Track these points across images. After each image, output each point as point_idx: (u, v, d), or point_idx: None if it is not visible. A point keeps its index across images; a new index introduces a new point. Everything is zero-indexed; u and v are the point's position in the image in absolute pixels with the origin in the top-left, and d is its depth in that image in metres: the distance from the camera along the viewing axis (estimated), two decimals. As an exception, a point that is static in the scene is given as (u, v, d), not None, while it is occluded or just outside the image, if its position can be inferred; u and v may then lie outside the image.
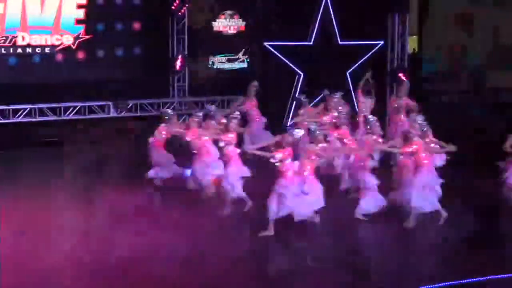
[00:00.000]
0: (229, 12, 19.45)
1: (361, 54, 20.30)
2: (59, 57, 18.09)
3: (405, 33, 19.15)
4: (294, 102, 18.03)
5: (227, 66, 20.06)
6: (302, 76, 19.71)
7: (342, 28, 20.03)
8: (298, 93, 18.48)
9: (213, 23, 19.56)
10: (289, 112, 19.39)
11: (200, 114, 13.25)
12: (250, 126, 15.74)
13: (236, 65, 20.11)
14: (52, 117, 17.41)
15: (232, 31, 19.69)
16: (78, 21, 18.08)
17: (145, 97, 18.45)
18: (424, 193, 11.64)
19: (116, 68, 18.45)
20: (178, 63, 18.91)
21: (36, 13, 17.62)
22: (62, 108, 17.56)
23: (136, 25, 18.82)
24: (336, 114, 14.09)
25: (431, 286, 9.28)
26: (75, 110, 17.60)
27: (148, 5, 18.86)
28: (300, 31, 19.83)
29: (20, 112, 16.81)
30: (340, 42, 19.93)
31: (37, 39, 17.78)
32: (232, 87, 18.61)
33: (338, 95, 15.45)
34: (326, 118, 14.45)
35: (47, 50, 17.97)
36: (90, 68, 18.32)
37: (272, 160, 11.25)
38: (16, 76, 17.57)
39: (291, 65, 19.83)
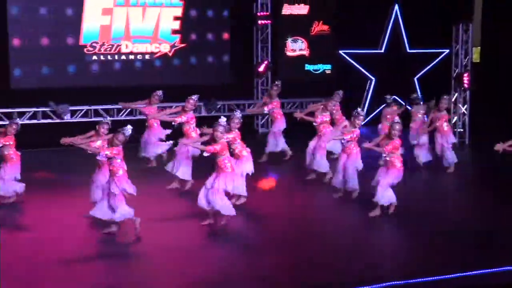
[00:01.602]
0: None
1: (428, 61, 21.12)
2: (158, 63, 19.13)
3: (469, 42, 19.33)
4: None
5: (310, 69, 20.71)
6: (373, 80, 20.73)
7: (410, 36, 20.81)
8: (370, 96, 19.38)
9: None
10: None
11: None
12: (273, 125, 16.23)
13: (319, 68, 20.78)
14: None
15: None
16: (174, 31, 19.07)
17: (233, 98, 19.33)
18: None
19: (207, 73, 19.31)
20: (262, 68, 19.88)
21: (138, 24, 18.74)
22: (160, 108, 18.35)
23: (225, 35, 19.64)
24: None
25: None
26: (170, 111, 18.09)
27: (236, 18, 19.70)
28: (371, 38, 20.74)
29: (123, 112, 17.91)
30: (408, 50, 20.85)
31: (139, 47, 18.85)
32: (313, 89, 19.34)
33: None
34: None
35: (147, 57, 19.00)
36: (184, 73, 19.28)
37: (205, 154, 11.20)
38: (120, 80, 18.59)
39: (363, 70, 20.80)
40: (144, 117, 15.46)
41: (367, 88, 20.85)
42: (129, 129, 10.61)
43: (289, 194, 13.77)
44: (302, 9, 20.25)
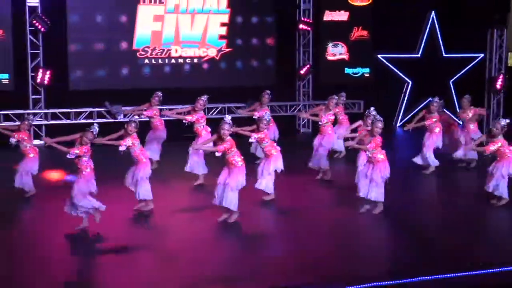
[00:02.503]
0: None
1: (463, 65, 21.46)
2: (205, 66, 19.66)
3: (503, 47, 19.68)
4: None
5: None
6: (410, 83, 21.19)
7: (446, 41, 21.15)
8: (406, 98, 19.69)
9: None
10: (398, 115, 20.96)
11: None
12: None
13: (358, 71, 21.11)
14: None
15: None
16: (221, 37, 19.61)
17: (276, 100, 19.29)
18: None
19: (252, 76, 19.77)
20: (304, 71, 20.40)
21: (187, 30, 19.31)
22: (206, 109, 18.15)
23: (269, 41, 20.08)
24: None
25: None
26: (217, 110, 19.07)
27: (279, 24, 20.14)
28: (409, 43, 21.11)
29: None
30: (444, 55, 21.23)
31: (187, 52, 19.40)
32: (352, 91, 19.17)
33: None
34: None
35: (195, 60, 19.54)
36: (230, 76, 19.83)
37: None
38: (170, 82, 18.96)
39: (400, 74, 21.23)
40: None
41: (404, 90, 21.26)
42: (96, 127, 10.81)
43: (310, 192, 13.71)
44: (342, 16, 20.63)
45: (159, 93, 15.06)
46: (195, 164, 13.71)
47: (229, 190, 11.21)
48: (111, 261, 9.87)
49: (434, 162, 14.98)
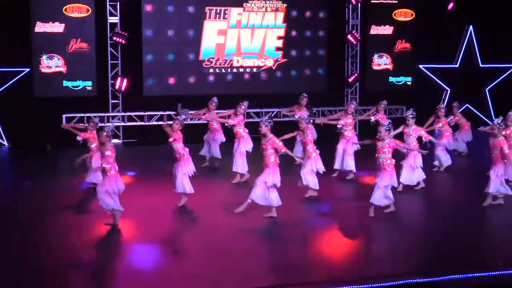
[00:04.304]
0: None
1: (498, 75, 22.15)
2: (263, 75, 20.63)
3: None
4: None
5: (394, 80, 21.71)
6: (449, 91, 21.89)
7: (482, 53, 21.78)
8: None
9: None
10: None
11: None
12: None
13: (401, 80, 21.86)
14: (256, 119, 18.61)
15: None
16: (278, 49, 20.62)
17: (326, 105, 20.62)
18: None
19: (305, 84, 20.35)
20: (351, 79, 21.33)
21: (247, 43, 20.38)
22: (263, 112, 19.78)
23: (321, 52, 21.05)
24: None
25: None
26: (273, 114, 19.82)
27: (330, 37, 21.07)
28: (448, 54, 21.78)
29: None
30: (481, 65, 21.91)
31: (248, 62, 20.41)
32: (395, 98, 20.24)
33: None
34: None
35: (254, 70, 20.56)
36: (286, 84, 20.72)
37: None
38: (231, 89, 19.92)
39: (440, 82, 21.91)
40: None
41: (443, 98, 21.86)
42: (112, 126, 11.21)
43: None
44: (387, 30, 21.60)
45: (215, 99, 15.63)
46: (236, 161, 14.20)
47: (266, 188, 11.41)
48: (163, 253, 10.14)
49: (446, 161, 15.69)
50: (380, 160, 11.69)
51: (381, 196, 11.71)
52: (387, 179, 11.64)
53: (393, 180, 11.73)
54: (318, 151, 12.90)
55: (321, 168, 12.94)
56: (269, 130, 11.48)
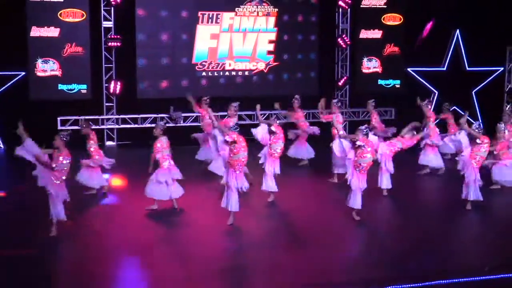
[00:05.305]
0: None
1: (484, 78, 22.21)
2: (255, 78, 20.75)
3: None
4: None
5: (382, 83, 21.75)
6: (436, 93, 21.97)
7: (469, 56, 21.82)
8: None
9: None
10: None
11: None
12: (299, 134, 16.71)
13: (390, 83, 21.93)
14: (248, 121, 19.44)
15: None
16: (269, 52, 20.73)
17: (317, 108, 19.39)
18: None
19: (297, 87, 20.37)
20: (341, 82, 21.52)
21: (239, 47, 20.43)
22: (254, 115, 19.11)
23: (312, 55, 21.16)
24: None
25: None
26: (264, 117, 18.65)
27: (321, 41, 21.23)
28: (435, 58, 21.78)
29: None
30: (467, 68, 21.98)
31: (240, 65, 20.48)
32: (384, 100, 20.19)
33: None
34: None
35: (246, 73, 20.63)
36: (277, 87, 20.82)
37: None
38: (224, 91, 19.92)
39: (427, 85, 21.96)
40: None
41: (430, 99, 20.79)
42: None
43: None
44: (376, 34, 21.68)
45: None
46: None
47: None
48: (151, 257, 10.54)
49: (439, 164, 16.14)
50: (360, 163, 12.02)
51: (358, 199, 12.08)
52: (363, 182, 12.05)
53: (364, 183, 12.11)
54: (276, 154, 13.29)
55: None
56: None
